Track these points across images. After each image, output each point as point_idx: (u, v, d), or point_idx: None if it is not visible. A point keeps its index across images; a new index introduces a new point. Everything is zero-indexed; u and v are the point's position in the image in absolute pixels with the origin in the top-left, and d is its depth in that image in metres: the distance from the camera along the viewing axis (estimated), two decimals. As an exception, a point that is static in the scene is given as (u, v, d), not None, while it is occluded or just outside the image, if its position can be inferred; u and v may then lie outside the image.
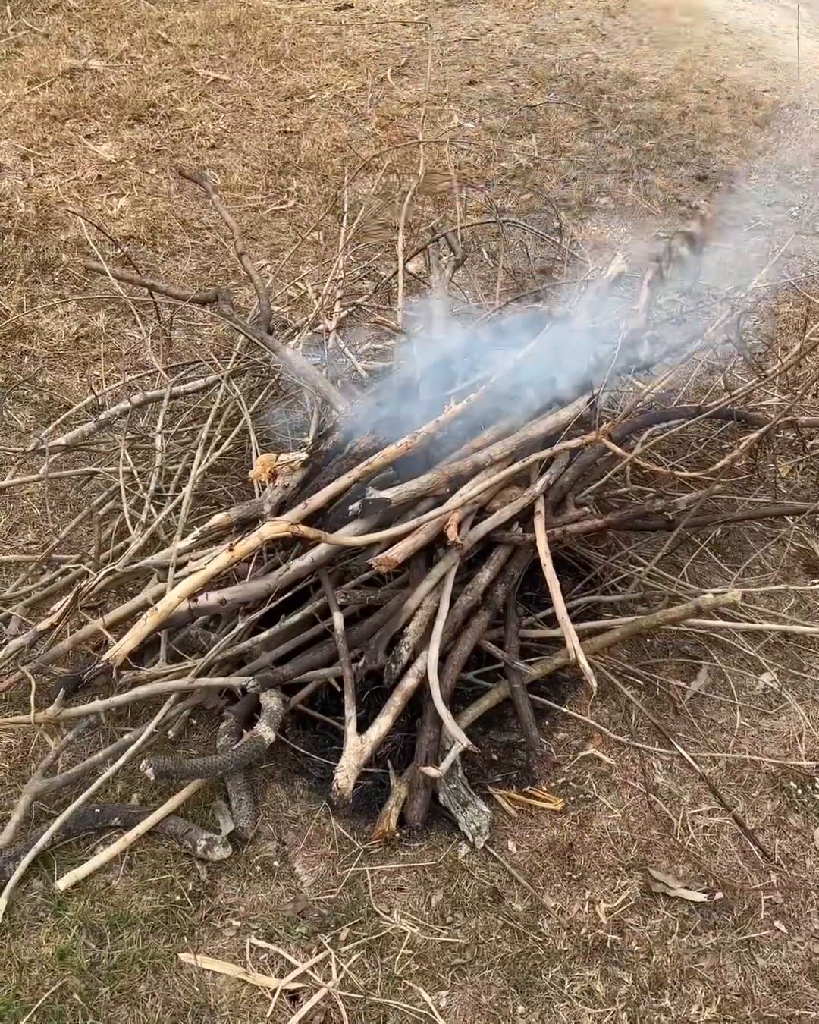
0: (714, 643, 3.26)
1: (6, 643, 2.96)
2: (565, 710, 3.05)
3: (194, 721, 2.96)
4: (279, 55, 6.87)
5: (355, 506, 2.80)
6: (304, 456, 2.86)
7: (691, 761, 2.94)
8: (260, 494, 3.02)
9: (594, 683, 2.63)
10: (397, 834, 2.70)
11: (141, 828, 2.63)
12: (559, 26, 7.38)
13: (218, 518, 2.88)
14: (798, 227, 5.20)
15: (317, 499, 2.74)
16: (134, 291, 4.26)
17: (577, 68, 6.90)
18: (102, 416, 3.44)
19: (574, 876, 2.67)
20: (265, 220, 5.27)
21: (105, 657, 2.55)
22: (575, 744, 3.00)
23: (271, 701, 2.81)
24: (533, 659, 3.01)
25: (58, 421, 3.56)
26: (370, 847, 2.69)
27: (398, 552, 2.72)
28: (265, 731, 2.75)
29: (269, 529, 2.64)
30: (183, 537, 2.92)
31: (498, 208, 5.31)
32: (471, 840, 2.70)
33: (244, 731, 2.85)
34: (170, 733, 2.88)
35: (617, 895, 2.63)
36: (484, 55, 7.07)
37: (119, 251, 4.69)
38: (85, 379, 4.08)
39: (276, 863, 2.66)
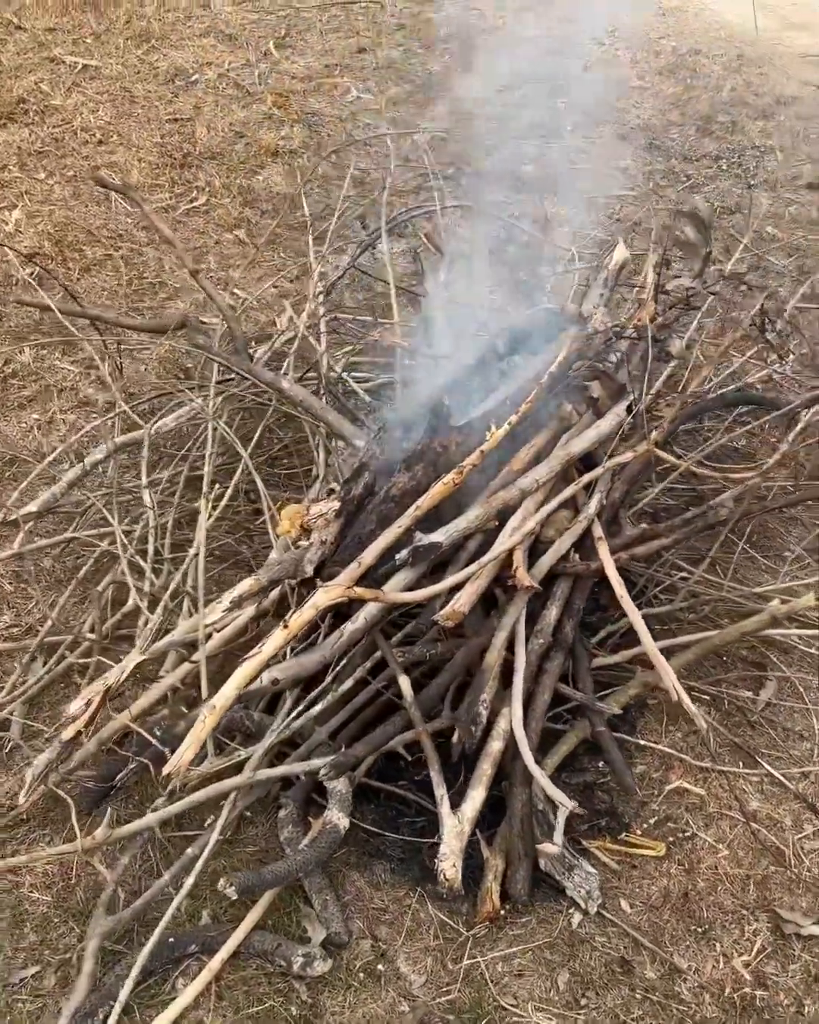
0: (770, 645, 3.09)
1: (14, 753, 2.60)
2: (640, 741, 2.84)
3: (247, 812, 2.64)
4: (148, 34, 6.35)
5: (402, 554, 2.51)
6: (336, 505, 2.54)
7: (782, 780, 2.77)
8: (287, 550, 2.69)
9: (703, 724, 2.41)
10: (502, 911, 2.46)
11: (224, 952, 2.31)
12: (439, -18, 7.06)
13: (247, 583, 2.55)
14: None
15: (369, 555, 2.43)
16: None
17: (466, 27, 6.58)
18: (71, 472, 3.03)
19: (699, 929, 2.47)
20: (179, 221, 4.84)
21: (165, 771, 2.20)
22: (656, 776, 2.79)
23: (337, 783, 2.51)
24: (603, 693, 2.78)
25: (22, 484, 3.12)
26: (477, 932, 2.44)
27: (463, 603, 2.44)
28: (338, 818, 2.46)
29: (324, 596, 2.33)
30: (197, 607, 2.59)
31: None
32: (583, 906, 2.47)
33: (307, 817, 2.57)
34: (225, 833, 2.56)
35: (750, 943, 2.45)
36: (366, 19, 6.68)
37: (29, 272, 4.21)
38: (26, 426, 3.64)
39: (379, 966, 2.38)
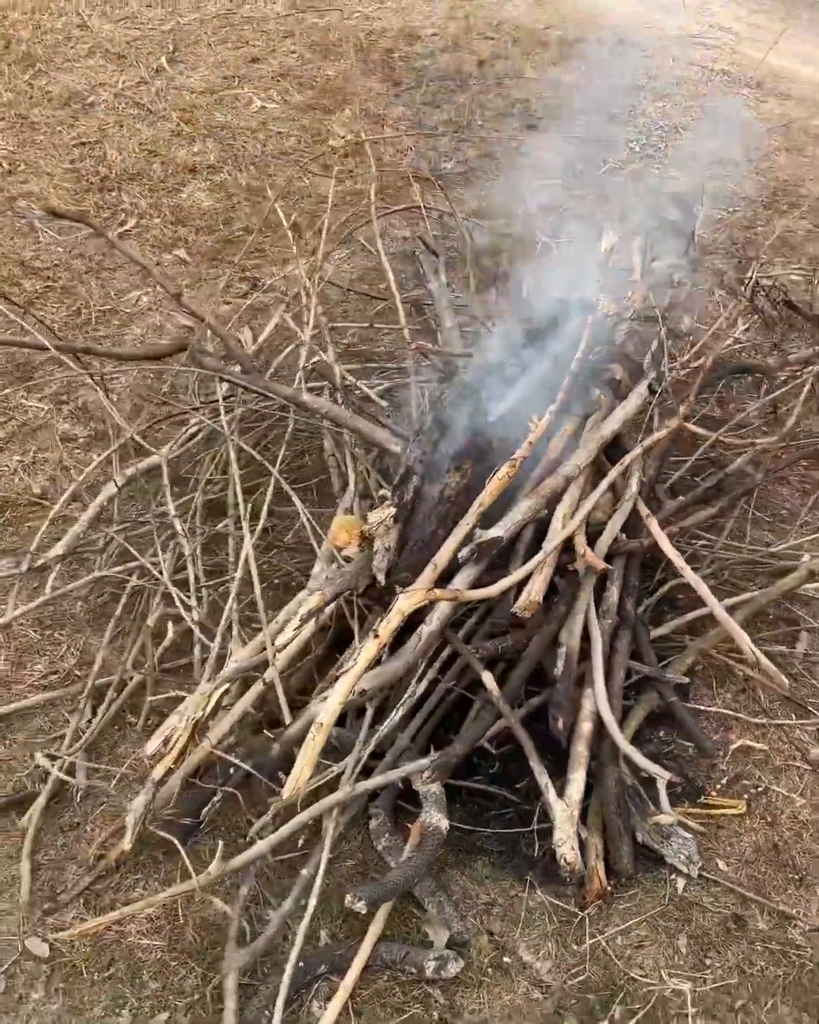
0: (793, 600, 3.21)
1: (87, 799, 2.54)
2: (695, 706, 2.92)
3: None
4: (32, 58, 6.17)
5: (465, 552, 2.53)
6: (393, 511, 2.54)
7: (836, 724, 2.90)
8: (331, 562, 2.69)
9: (785, 681, 2.50)
10: (609, 888, 2.51)
11: (356, 968, 2.29)
12: (317, -13, 7.04)
13: (315, 599, 2.53)
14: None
15: (442, 557, 2.44)
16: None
17: (353, 30, 6.59)
18: (90, 509, 2.96)
19: (796, 876, 2.57)
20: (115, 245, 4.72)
21: (285, 794, 2.18)
22: (716, 738, 2.89)
23: (431, 786, 2.52)
24: (661, 664, 2.86)
25: (41, 529, 3.02)
26: (589, 911, 2.48)
27: (536, 592, 2.48)
28: (438, 820, 2.47)
29: (407, 601, 2.34)
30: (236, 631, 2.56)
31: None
32: (685, 871, 2.54)
33: (397, 825, 2.58)
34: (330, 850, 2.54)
35: (848, 883, 2.56)
36: (253, 28, 6.63)
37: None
38: (9, 469, 3.52)
39: (504, 959, 2.40)
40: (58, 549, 2.85)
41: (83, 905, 2.44)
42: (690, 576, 2.56)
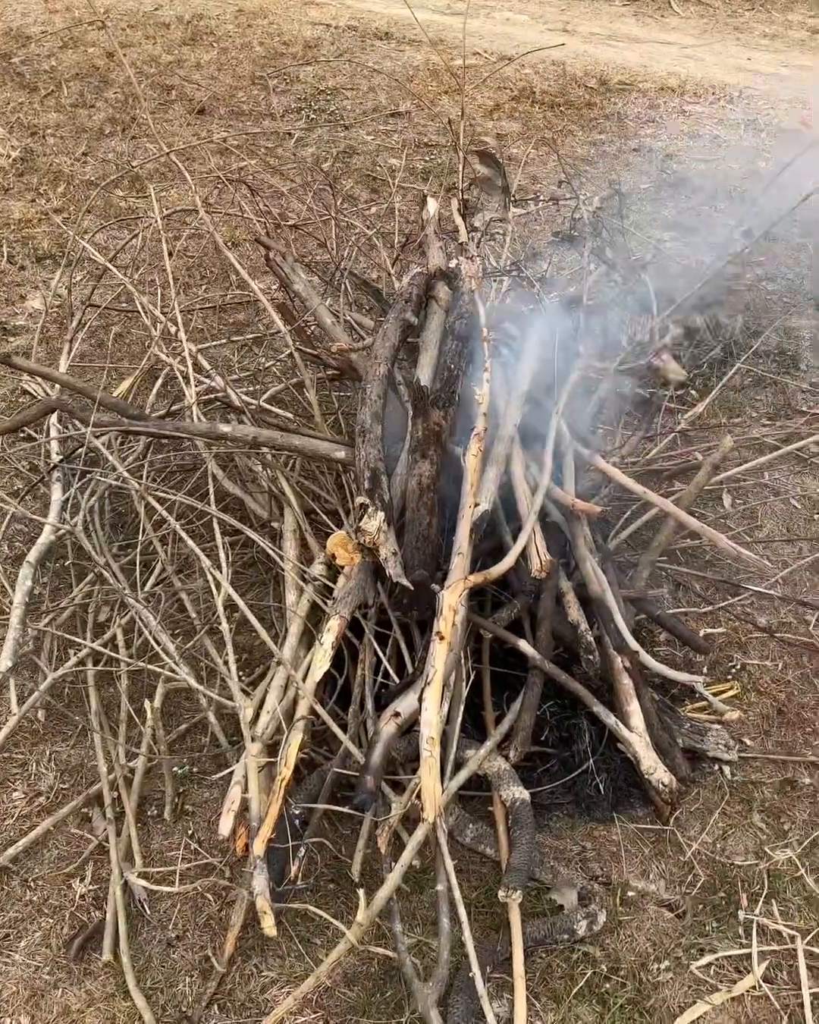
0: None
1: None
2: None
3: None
4: None
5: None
6: (381, 515, 2.49)
7: (766, 591, 3.22)
8: (301, 582, 2.61)
9: (728, 547, 2.73)
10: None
11: (518, 958, 2.30)
12: None
13: (335, 623, 2.45)
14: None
15: (462, 543, 2.43)
16: None
17: None
18: (15, 609, 2.64)
19: (809, 728, 2.87)
20: None
21: (428, 816, 2.12)
22: (674, 634, 3.12)
23: (495, 763, 2.56)
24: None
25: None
26: (669, 826, 2.64)
27: (545, 551, 2.56)
28: (518, 792, 2.52)
29: (452, 596, 2.33)
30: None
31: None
32: (727, 757, 2.76)
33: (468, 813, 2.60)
34: (415, 862, 2.50)
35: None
36: None
37: None
38: None
39: (628, 893, 2.51)
40: (5, 661, 2.52)
41: (219, 1011, 2.26)
42: (659, 500, 2.74)
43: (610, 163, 5.33)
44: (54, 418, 3.29)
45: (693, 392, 4.03)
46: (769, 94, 6.37)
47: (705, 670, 3.01)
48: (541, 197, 3.69)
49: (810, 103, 6.10)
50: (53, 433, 3.25)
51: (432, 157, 5.19)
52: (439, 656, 2.26)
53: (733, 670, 3.03)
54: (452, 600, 2.32)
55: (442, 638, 2.27)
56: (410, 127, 5.40)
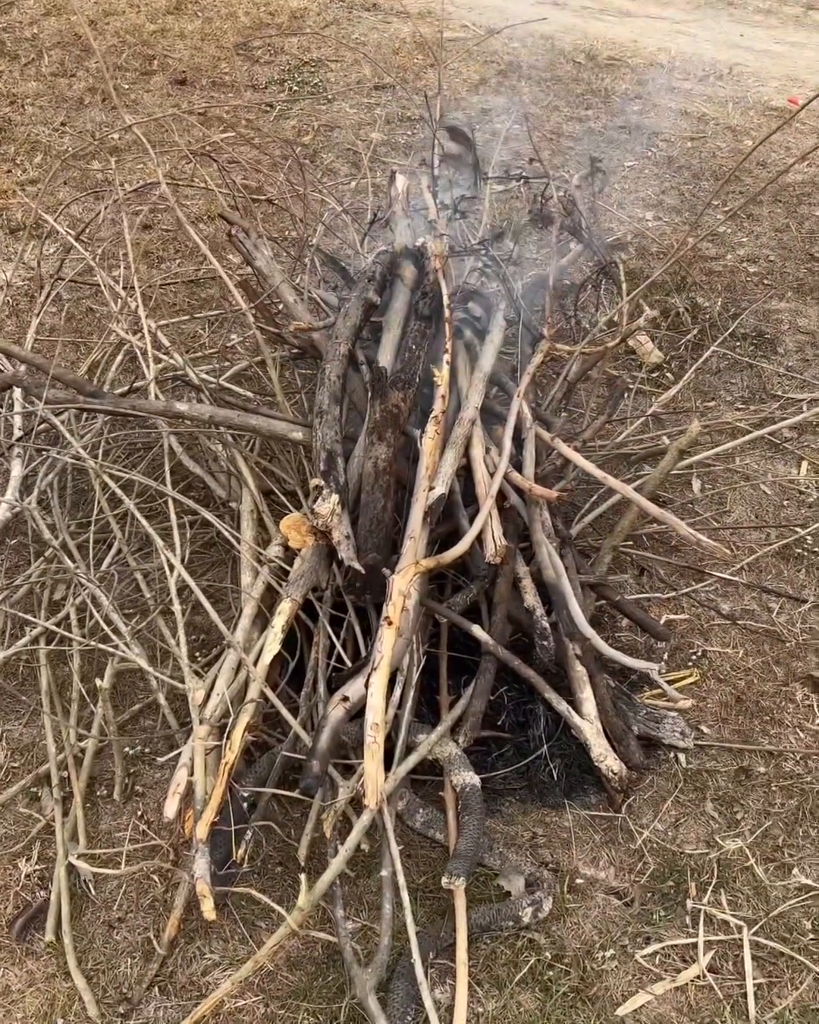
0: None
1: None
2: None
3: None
4: None
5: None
6: (336, 498, 2.46)
7: (730, 578, 3.20)
8: (258, 564, 2.58)
9: (687, 532, 2.68)
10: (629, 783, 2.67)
11: (462, 944, 2.30)
12: None
13: (286, 606, 2.43)
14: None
15: (415, 527, 2.40)
16: None
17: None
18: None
19: (766, 717, 2.85)
20: None
21: (370, 803, 2.11)
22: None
23: (447, 748, 2.54)
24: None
25: None
26: (622, 813, 2.63)
27: (501, 536, 2.53)
28: (468, 777, 2.50)
29: (403, 580, 2.30)
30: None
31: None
32: (683, 745, 2.75)
33: (420, 797, 2.59)
34: (364, 846, 2.50)
35: (809, 708, 2.88)
36: None
37: None
38: None
39: (577, 881, 2.50)
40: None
41: (160, 993, 2.25)
42: (617, 484, 2.70)
43: (595, 140, 5.26)
44: (19, 393, 3.27)
45: (669, 374, 4.01)
46: (760, 71, 6.29)
47: (666, 657, 3.00)
48: (512, 175, 3.62)
49: (801, 81, 6.03)
50: (17, 408, 3.23)
51: (414, 132, 5.12)
52: (387, 641, 2.23)
53: (694, 657, 3.01)
54: (402, 585, 2.30)
55: (390, 623, 2.25)
56: (394, 100, 5.32)
